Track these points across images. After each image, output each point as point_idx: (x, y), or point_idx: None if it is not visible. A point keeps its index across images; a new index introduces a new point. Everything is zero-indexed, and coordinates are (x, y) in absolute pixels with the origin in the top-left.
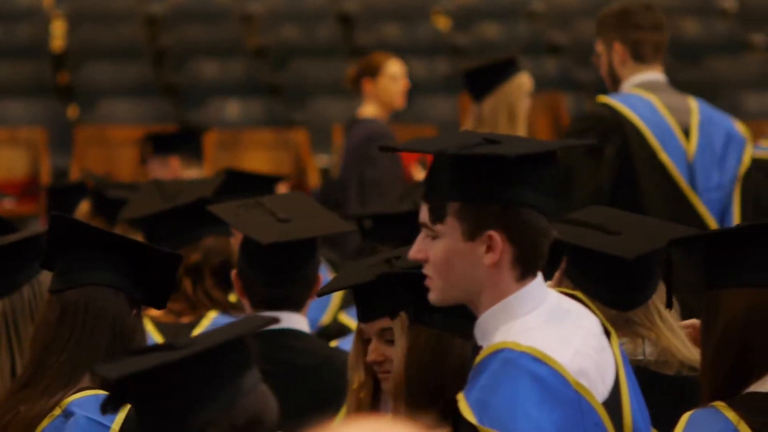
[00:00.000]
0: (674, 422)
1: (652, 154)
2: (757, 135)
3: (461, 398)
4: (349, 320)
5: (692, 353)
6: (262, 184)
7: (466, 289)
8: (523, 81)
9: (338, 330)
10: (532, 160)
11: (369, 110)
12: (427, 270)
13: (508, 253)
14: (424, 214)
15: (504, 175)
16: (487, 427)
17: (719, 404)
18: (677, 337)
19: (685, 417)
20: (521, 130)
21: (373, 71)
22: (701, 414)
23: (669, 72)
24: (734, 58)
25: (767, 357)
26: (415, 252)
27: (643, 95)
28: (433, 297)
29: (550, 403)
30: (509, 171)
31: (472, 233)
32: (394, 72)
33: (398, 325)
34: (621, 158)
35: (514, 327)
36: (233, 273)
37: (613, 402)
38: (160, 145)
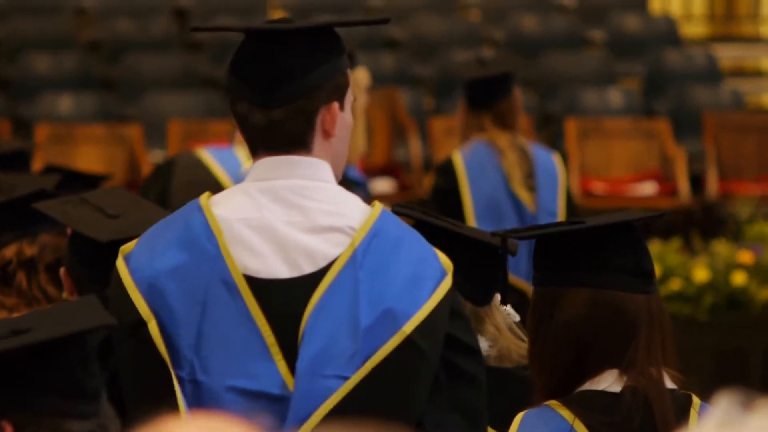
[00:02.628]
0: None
1: None
2: (594, 132)
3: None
4: None
5: (525, 353)
6: (87, 181)
7: None
8: (361, 76)
9: None
10: None
11: None
12: None
13: None
14: None
15: None
16: None
17: (553, 403)
18: (514, 334)
19: (519, 416)
20: (359, 127)
21: None
22: (535, 413)
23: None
24: (573, 54)
25: (603, 357)
26: None
27: None
28: None
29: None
30: None
31: None
32: None
33: None
34: None
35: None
36: (62, 270)
37: (291, 288)
38: None
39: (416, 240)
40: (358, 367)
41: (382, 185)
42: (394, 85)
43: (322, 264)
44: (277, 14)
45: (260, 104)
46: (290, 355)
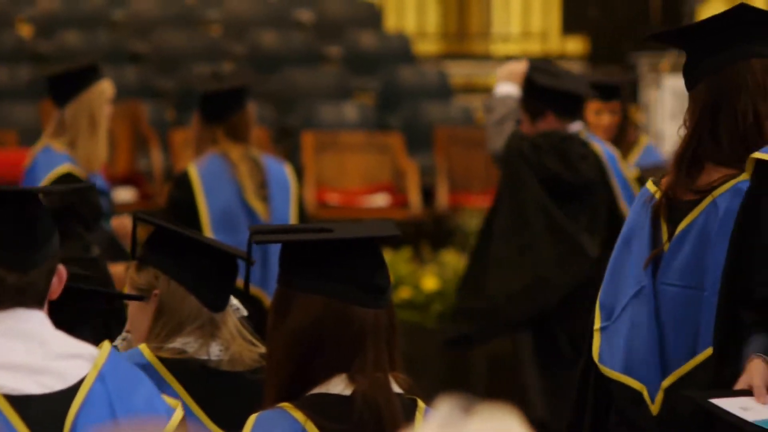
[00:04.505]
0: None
1: None
2: (330, 145)
3: None
4: None
5: (257, 357)
6: None
7: None
8: (105, 88)
9: None
10: None
11: None
12: None
13: None
14: None
15: None
16: None
17: (286, 405)
18: (246, 339)
19: (252, 418)
20: (102, 137)
21: None
22: (268, 415)
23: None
24: (310, 70)
25: (333, 363)
26: None
27: None
28: None
29: None
30: None
31: None
32: None
33: None
34: None
35: None
36: None
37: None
38: None
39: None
40: None
41: (124, 194)
42: (137, 98)
43: (72, 382)
44: (24, 28)
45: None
46: None
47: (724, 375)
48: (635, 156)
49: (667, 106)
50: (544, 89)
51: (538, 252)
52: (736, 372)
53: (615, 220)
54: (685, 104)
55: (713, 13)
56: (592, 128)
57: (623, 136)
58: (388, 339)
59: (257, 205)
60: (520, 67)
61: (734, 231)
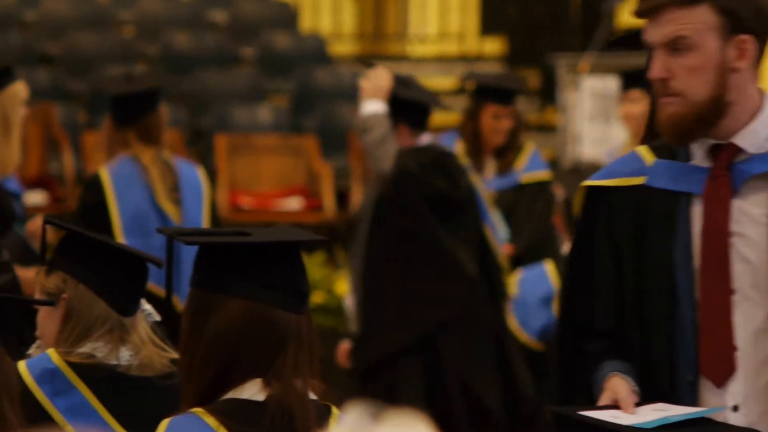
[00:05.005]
0: (156, 425)
1: None
2: (243, 148)
3: None
4: None
5: (167, 363)
6: None
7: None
8: (18, 90)
9: None
10: None
11: None
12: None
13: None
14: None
15: None
16: None
17: (198, 410)
18: (156, 344)
19: (164, 423)
20: (16, 140)
21: None
22: (180, 420)
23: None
24: (224, 71)
25: (250, 367)
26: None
27: None
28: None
29: None
30: None
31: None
32: None
33: None
34: None
35: None
36: None
37: None
38: None
39: None
40: None
41: (35, 197)
42: (49, 100)
43: None
44: None
45: None
46: None
47: (576, 402)
48: (523, 162)
49: (585, 108)
50: (400, 101)
51: (421, 274)
52: (591, 400)
53: (482, 238)
54: (604, 105)
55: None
56: (491, 133)
57: (514, 142)
58: (309, 345)
59: (169, 209)
60: (386, 83)
61: (568, 262)
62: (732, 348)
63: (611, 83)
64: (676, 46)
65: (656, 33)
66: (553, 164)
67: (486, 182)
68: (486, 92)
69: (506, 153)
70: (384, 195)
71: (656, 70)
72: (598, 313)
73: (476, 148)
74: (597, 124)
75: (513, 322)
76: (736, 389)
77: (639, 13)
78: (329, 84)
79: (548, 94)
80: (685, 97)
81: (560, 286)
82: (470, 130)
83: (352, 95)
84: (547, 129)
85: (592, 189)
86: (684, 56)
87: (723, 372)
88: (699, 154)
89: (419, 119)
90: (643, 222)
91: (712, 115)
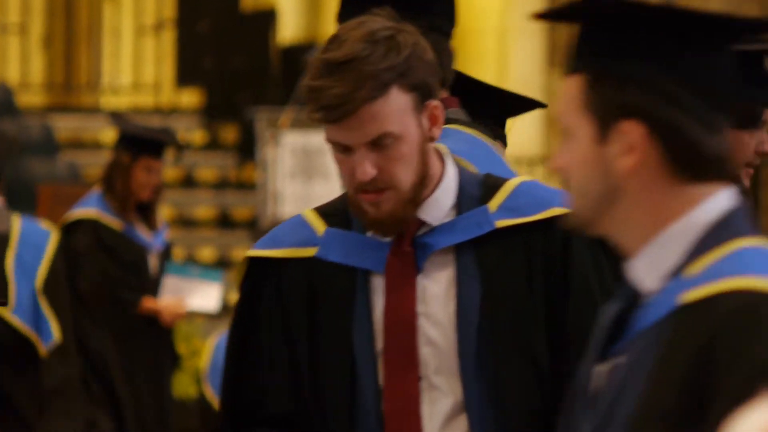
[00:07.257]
0: None
1: None
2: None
3: None
4: None
5: None
6: None
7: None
8: None
9: None
10: None
11: None
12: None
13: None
14: None
15: None
16: None
17: None
18: None
19: None
20: None
21: None
22: None
23: None
24: None
25: None
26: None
27: None
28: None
29: None
30: None
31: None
32: None
33: None
34: None
35: None
36: None
37: None
38: None
39: None
40: None
41: None
42: None
43: None
44: None
45: None
46: None
47: None
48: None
49: (286, 165)
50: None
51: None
52: None
53: None
54: (306, 162)
55: None
56: (139, 187)
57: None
58: None
59: None
60: None
61: (230, 339)
62: None
63: (313, 139)
64: (380, 142)
65: (354, 135)
66: (252, 223)
67: (149, 242)
68: (139, 144)
69: (152, 210)
70: None
71: (368, 172)
72: (272, 394)
73: (125, 204)
74: (298, 182)
75: (208, 389)
76: None
77: (329, 122)
78: (16, 136)
79: (247, 150)
80: (396, 189)
81: (223, 368)
82: (120, 184)
83: (40, 148)
84: (246, 186)
85: (256, 260)
86: (390, 149)
87: None
88: None
89: None
90: (317, 298)
91: (420, 193)
